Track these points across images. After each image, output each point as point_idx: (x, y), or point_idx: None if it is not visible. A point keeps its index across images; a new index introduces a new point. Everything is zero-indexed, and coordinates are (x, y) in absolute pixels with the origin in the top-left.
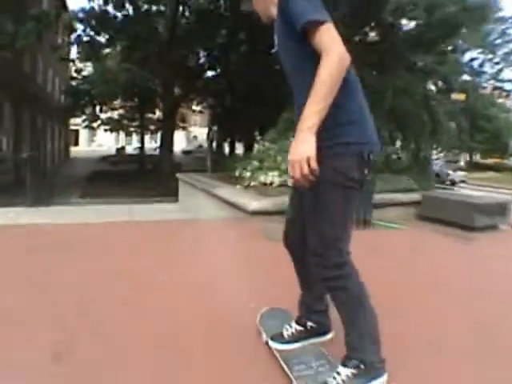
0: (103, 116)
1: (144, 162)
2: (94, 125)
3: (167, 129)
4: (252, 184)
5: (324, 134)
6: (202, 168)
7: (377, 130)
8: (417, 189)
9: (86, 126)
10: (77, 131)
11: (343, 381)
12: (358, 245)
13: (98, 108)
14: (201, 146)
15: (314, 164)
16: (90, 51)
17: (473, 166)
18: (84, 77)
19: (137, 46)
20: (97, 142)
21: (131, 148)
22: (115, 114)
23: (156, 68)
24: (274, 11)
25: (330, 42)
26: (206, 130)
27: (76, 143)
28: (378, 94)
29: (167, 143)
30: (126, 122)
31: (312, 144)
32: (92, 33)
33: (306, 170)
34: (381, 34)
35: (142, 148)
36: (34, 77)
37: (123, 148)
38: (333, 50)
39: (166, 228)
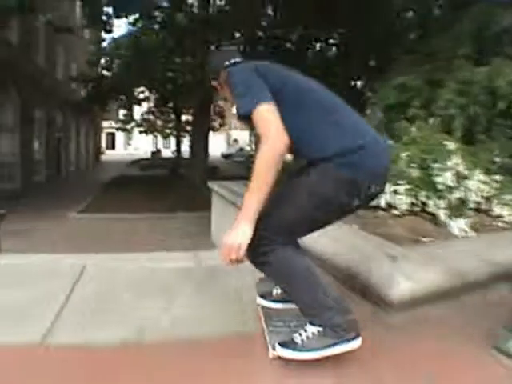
0: (137, 118)
1: (177, 166)
2: (128, 127)
3: (199, 126)
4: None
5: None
6: (244, 175)
7: None
8: None
9: (119, 128)
10: (113, 134)
11: (307, 337)
12: None
13: (122, 100)
14: (242, 150)
15: (241, 253)
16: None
17: None
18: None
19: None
20: (133, 145)
21: (169, 152)
22: (149, 115)
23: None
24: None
25: (264, 128)
26: (247, 133)
27: (112, 147)
28: None
29: (199, 143)
30: (160, 123)
31: (246, 233)
32: None
33: (233, 256)
34: None
35: (178, 151)
36: (51, 69)
37: (159, 151)
38: (267, 138)
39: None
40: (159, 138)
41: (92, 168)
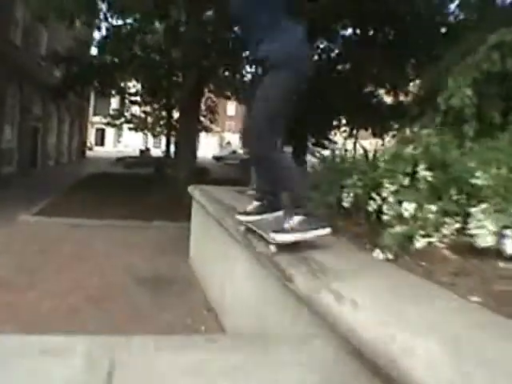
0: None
1: (162, 166)
2: (117, 122)
3: (187, 120)
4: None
5: None
6: (236, 178)
7: None
8: None
9: (108, 123)
10: (103, 130)
11: (294, 223)
12: None
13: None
14: (234, 152)
15: None
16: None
17: None
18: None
19: None
20: (123, 142)
21: (159, 151)
22: (138, 110)
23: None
24: None
25: None
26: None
27: (102, 143)
28: None
29: (187, 140)
30: (151, 120)
31: None
32: None
33: None
34: None
35: (167, 150)
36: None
37: (148, 150)
38: None
39: None
40: (150, 136)
41: (75, 163)
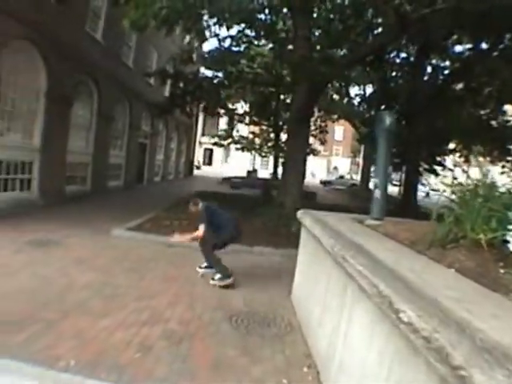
0: (236, 135)
1: (269, 188)
2: (225, 143)
3: (295, 143)
4: None
5: None
6: (345, 204)
7: None
8: None
9: (216, 143)
10: (211, 150)
11: (218, 276)
12: None
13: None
14: (342, 177)
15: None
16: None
17: None
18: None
19: None
20: (230, 162)
21: (267, 172)
22: (246, 131)
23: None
24: None
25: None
26: (349, 161)
27: (209, 162)
28: None
29: (294, 163)
30: (259, 141)
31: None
32: None
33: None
34: None
35: (274, 172)
36: (139, 68)
37: (255, 171)
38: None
39: None
40: (258, 157)
41: (181, 181)
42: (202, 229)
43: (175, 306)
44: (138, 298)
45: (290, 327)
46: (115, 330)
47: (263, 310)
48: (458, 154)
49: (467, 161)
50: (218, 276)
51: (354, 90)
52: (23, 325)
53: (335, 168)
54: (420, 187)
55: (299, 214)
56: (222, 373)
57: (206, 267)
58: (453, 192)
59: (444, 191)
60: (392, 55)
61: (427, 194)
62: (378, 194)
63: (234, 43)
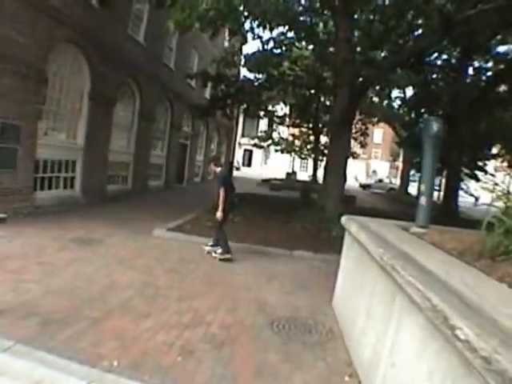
0: (275, 136)
1: (309, 191)
2: (264, 144)
3: (337, 145)
4: None
5: None
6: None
7: None
8: None
9: (255, 145)
10: (250, 151)
11: (219, 250)
12: None
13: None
14: (381, 181)
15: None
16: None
17: None
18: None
19: None
20: (270, 164)
21: (306, 174)
22: (285, 133)
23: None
24: None
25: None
26: (387, 165)
27: (249, 164)
28: None
29: (336, 166)
30: (299, 143)
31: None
32: None
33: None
34: None
35: (314, 175)
36: (180, 70)
37: (294, 173)
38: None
39: None
40: (297, 159)
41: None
42: (222, 193)
43: (217, 309)
44: (179, 300)
45: (331, 334)
46: (157, 332)
47: (304, 316)
48: (500, 159)
49: (510, 166)
50: (219, 250)
51: (394, 93)
52: (67, 322)
53: (374, 171)
54: (464, 194)
55: (344, 219)
56: (265, 379)
57: (212, 245)
58: (499, 198)
59: (493, 201)
60: (433, 57)
61: (476, 200)
62: (423, 201)
63: (276, 45)
